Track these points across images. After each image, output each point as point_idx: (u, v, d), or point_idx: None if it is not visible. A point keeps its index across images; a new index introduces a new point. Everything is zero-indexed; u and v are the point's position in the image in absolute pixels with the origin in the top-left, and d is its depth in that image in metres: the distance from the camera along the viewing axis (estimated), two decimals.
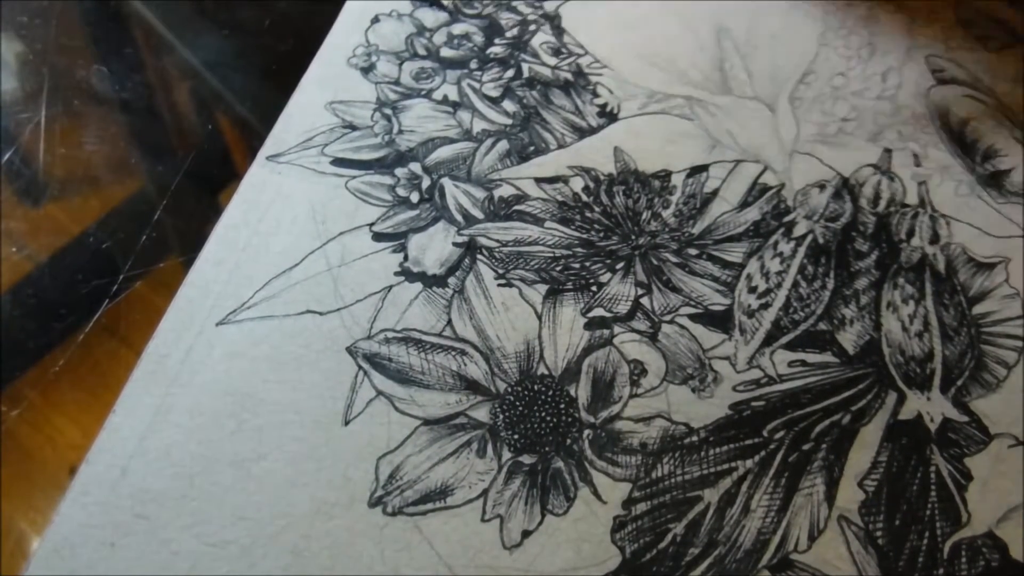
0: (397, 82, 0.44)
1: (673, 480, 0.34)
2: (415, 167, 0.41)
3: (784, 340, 0.37)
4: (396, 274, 0.38)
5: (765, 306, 0.38)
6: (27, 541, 0.35)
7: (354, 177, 0.41)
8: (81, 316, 0.39)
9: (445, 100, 0.43)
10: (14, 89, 0.47)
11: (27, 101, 0.46)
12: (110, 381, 0.36)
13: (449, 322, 0.37)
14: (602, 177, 0.41)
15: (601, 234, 0.39)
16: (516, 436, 0.34)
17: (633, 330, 0.37)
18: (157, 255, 0.41)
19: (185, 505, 0.33)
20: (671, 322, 0.37)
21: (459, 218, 0.40)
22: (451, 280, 0.38)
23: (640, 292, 0.38)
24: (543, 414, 0.35)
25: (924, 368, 0.37)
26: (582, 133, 0.43)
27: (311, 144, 0.41)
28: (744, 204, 0.41)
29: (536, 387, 0.36)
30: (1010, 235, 0.40)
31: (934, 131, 0.43)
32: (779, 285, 0.38)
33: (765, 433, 0.35)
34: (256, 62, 0.49)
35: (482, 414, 0.35)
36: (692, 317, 0.37)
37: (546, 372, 0.36)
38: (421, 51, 0.45)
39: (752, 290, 0.38)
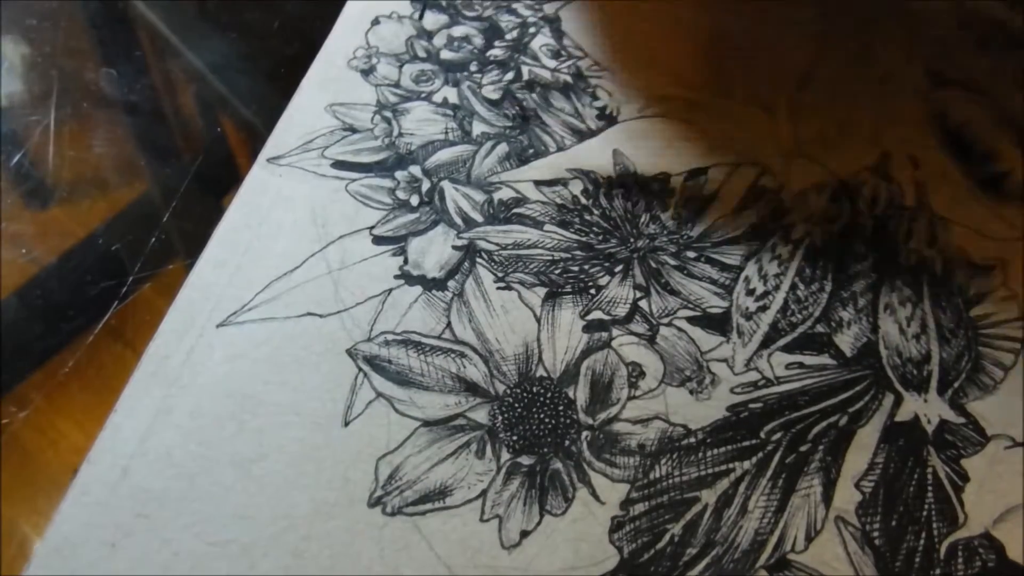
0: (397, 84, 0.44)
1: (671, 481, 0.34)
2: (415, 170, 0.41)
3: (782, 342, 0.37)
4: (396, 277, 0.38)
5: (763, 308, 0.38)
6: (29, 544, 0.35)
7: (354, 180, 0.41)
8: (88, 319, 0.39)
9: (445, 103, 0.44)
10: (22, 92, 0.47)
11: (36, 104, 0.46)
12: (115, 385, 0.36)
13: (448, 325, 0.37)
14: (601, 180, 0.41)
15: (600, 237, 0.39)
16: (515, 437, 0.35)
17: (631, 333, 0.37)
18: (164, 258, 0.41)
19: (186, 505, 0.33)
20: (669, 325, 0.37)
21: (459, 221, 0.40)
22: (451, 283, 0.38)
23: (638, 295, 0.38)
24: (542, 416, 0.35)
25: (921, 370, 0.37)
26: (581, 136, 0.43)
27: (311, 147, 0.42)
28: (742, 207, 0.41)
29: (535, 389, 0.36)
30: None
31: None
32: (777, 287, 0.38)
33: (762, 435, 0.35)
34: (263, 65, 0.49)
35: (481, 416, 0.35)
36: (690, 320, 0.38)
37: (545, 374, 0.36)
38: (421, 53, 0.45)
39: (750, 292, 0.38)
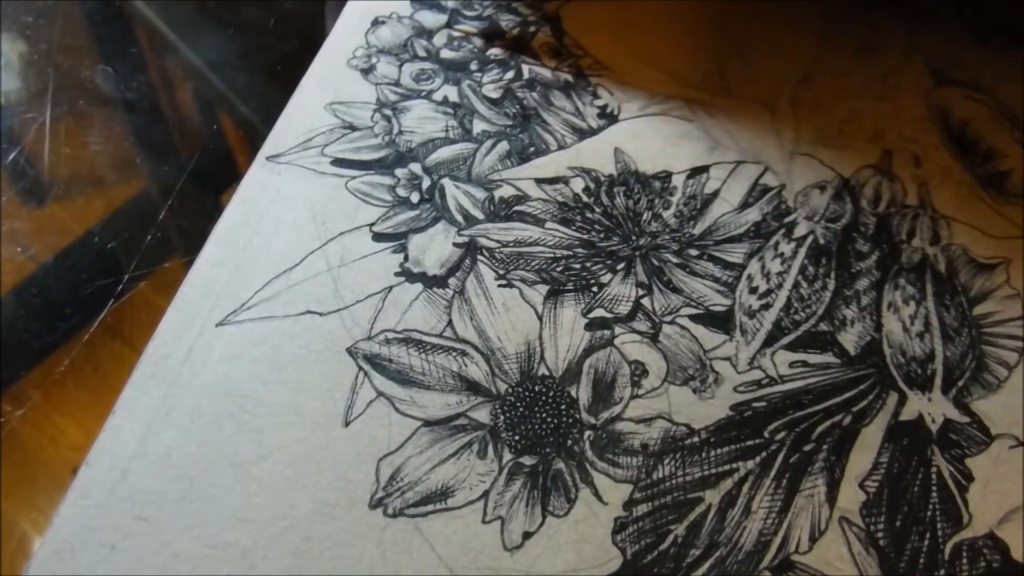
0: (397, 83, 0.44)
1: (674, 481, 0.34)
2: (415, 167, 0.41)
3: (785, 341, 0.37)
4: (396, 275, 0.38)
5: (766, 307, 0.38)
6: (29, 542, 0.35)
7: (354, 177, 0.41)
8: (85, 316, 0.39)
9: (445, 101, 0.43)
10: (19, 89, 0.47)
11: (32, 101, 0.46)
12: (113, 382, 0.36)
13: (450, 323, 0.37)
14: (603, 178, 0.41)
15: (602, 235, 0.39)
16: (517, 437, 0.34)
17: (634, 331, 0.37)
18: (161, 255, 0.41)
19: (185, 507, 0.33)
20: (672, 323, 0.37)
21: (459, 219, 0.40)
22: (451, 281, 0.38)
23: (641, 293, 0.38)
24: (544, 415, 0.35)
25: (925, 369, 0.36)
26: (582, 134, 0.43)
27: (311, 145, 0.41)
28: (745, 205, 0.41)
29: (537, 388, 0.35)
30: (1010, 236, 0.40)
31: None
32: (780, 286, 0.38)
33: (766, 434, 0.35)
34: (261, 62, 0.49)
35: (483, 415, 0.35)
36: (693, 318, 0.37)
37: (547, 373, 0.36)
38: (421, 53, 0.45)
39: (753, 291, 0.38)
